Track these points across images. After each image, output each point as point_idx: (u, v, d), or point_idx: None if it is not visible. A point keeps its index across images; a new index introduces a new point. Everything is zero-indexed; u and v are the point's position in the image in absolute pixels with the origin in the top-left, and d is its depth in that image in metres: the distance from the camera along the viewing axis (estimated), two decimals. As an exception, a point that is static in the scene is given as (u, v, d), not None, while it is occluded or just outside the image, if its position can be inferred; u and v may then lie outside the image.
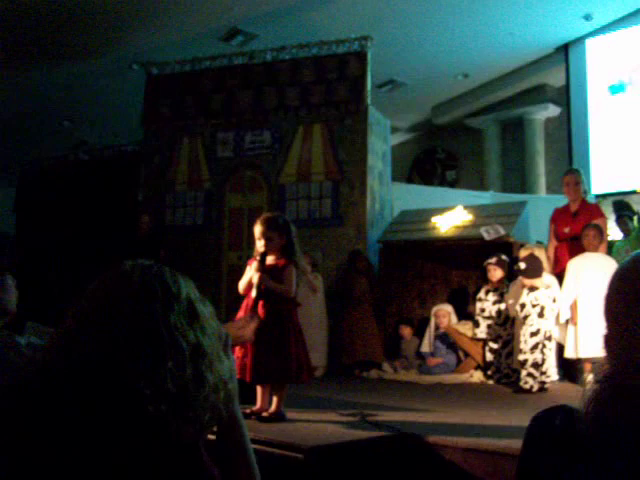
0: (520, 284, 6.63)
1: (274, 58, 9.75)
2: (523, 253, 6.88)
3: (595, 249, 6.50)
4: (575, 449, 1.22)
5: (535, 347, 6.21)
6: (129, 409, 1.27)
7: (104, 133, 13.16)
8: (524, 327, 6.30)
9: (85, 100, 12.67)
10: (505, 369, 6.92)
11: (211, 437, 1.50)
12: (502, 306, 7.00)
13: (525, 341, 6.25)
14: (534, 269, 6.40)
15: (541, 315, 6.27)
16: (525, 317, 6.30)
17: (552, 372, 6.23)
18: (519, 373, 6.68)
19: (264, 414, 4.32)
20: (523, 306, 6.33)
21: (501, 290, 7.09)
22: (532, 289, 6.36)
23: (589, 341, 6.26)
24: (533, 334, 6.24)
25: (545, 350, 6.22)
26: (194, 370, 1.35)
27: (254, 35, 11.29)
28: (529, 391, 6.15)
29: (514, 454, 3.38)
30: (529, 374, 6.20)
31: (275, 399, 4.40)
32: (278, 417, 4.31)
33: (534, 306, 6.30)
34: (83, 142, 13.04)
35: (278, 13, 10.67)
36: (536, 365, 6.18)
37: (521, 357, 6.28)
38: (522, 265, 6.43)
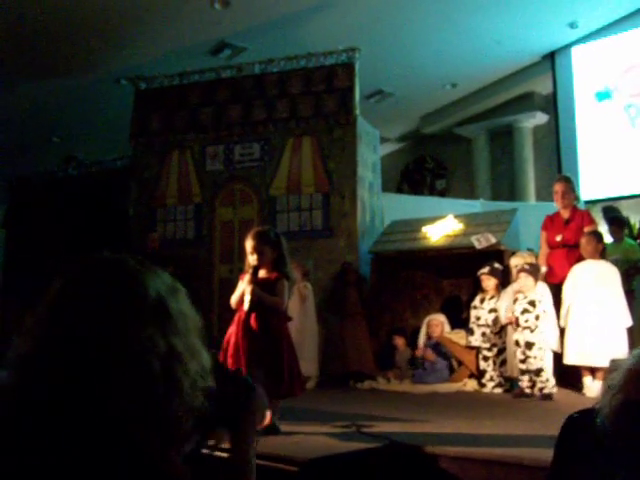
0: (513, 291, 6.67)
1: (262, 71, 9.77)
2: (514, 260, 6.92)
3: (591, 255, 6.54)
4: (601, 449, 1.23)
5: (534, 355, 6.23)
6: (107, 433, 1.17)
7: (93, 148, 13.14)
8: (521, 335, 6.31)
9: (74, 115, 12.65)
10: (499, 377, 6.93)
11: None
12: (497, 314, 7.02)
13: (524, 349, 6.27)
14: (535, 272, 6.48)
15: (538, 323, 6.30)
16: (522, 324, 6.31)
17: (552, 380, 6.23)
18: (513, 381, 6.70)
19: (257, 428, 4.30)
20: (523, 312, 6.34)
21: (496, 298, 7.11)
22: (524, 297, 6.38)
23: (579, 348, 6.29)
24: (530, 342, 6.25)
25: (544, 358, 6.25)
26: (166, 382, 1.24)
27: (242, 48, 11.31)
28: (529, 396, 6.18)
29: (510, 462, 3.38)
30: (530, 380, 6.22)
31: (268, 412, 4.38)
32: (272, 430, 4.29)
33: (524, 313, 6.32)
34: (72, 157, 13.00)
35: (266, 26, 10.70)
36: (536, 372, 6.20)
37: (522, 365, 6.29)
38: (526, 266, 6.49)
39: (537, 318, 6.31)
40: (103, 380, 1.19)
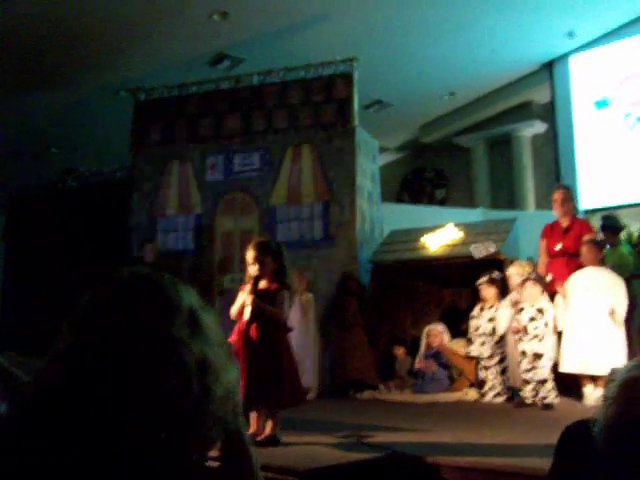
0: (512, 300, 6.68)
1: (261, 82, 9.80)
2: (513, 269, 6.92)
3: (592, 263, 6.54)
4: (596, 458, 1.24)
5: (537, 365, 6.24)
6: (133, 432, 1.20)
7: (93, 160, 13.16)
8: (528, 344, 6.31)
9: (73, 127, 12.67)
10: (500, 386, 6.92)
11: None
12: (496, 324, 7.02)
13: (531, 359, 6.27)
14: (542, 281, 6.51)
15: (546, 331, 6.31)
16: (531, 332, 6.31)
17: (555, 390, 6.23)
18: (514, 390, 6.70)
19: (258, 438, 4.31)
20: (531, 320, 6.34)
21: (495, 307, 7.11)
22: (532, 305, 6.39)
23: (578, 356, 6.29)
24: (538, 353, 6.26)
25: (546, 368, 6.25)
26: (199, 385, 1.26)
27: (241, 59, 11.34)
28: (530, 405, 6.18)
29: (511, 472, 3.39)
30: (533, 390, 6.23)
31: (269, 423, 4.39)
32: (273, 441, 4.30)
33: (532, 321, 6.33)
34: (72, 169, 13.01)
35: (264, 37, 10.73)
36: (541, 382, 6.20)
37: (526, 375, 6.29)
38: (533, 275, 6.52)
39: (546, 325, 6.31)
40: (142, 378, 1.22)
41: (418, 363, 7.76)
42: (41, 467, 1.19)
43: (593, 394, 6.10)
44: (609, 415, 1.28)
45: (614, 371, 1.34)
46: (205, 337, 1.33)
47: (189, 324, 1.32)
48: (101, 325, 1.28)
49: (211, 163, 9.70)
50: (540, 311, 6.36)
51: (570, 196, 7.34)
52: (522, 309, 6.44)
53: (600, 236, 7.79)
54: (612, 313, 6.24)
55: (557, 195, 7.28)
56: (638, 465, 1.20)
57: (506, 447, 4.09)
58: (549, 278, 6.82)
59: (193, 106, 10.03)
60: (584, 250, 6.62)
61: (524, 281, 6.51)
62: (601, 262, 6.68)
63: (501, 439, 4.44)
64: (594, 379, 6.27)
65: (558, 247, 7.10)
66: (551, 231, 7.28)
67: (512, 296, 6.81)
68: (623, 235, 9.52)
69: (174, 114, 10.06)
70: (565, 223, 7.20)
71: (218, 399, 1.30)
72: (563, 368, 6.39)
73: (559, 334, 6.48)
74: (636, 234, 10.63)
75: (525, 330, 6.33)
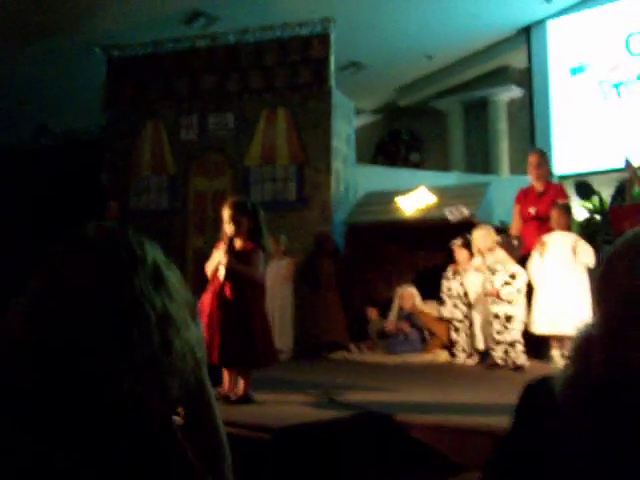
0: (475, 265, 6.74)
1: (237, 41, 9.69)
2: (477, 233, 6.88)
3: (561, 228, 6.58)
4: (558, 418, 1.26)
5: (513, 327, 6.31)
6: (100, 382, 1.22)
7: (65, 117, 12.97)
8: (500, 307, 6.36)
9: (45, 84, 12.46)
10: (470, 348, 6.99)
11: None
12: (468, 286, 7.06)
13: (503, 321, 6.33)
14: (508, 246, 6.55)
15: (518, 296, 6.37)
16: (504, 297, 6.36)
17: (523, 353, 6.31)
18: (484, 353, 6.77)
19: (231, 397, 4.33)
20: (504, 285, 6.38)
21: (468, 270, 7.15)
22: (504, 269, 6.43)
23: (547, 317, 6.35)
24: (510, 315, 6.32)
25: (517, 330, 6.32)
26: (161, 337, 1.29)
27: (216, 18, 11.17)
28: (501, 367, 6.26)
29: (481, 431, 3.43)
30: (504, 352, 6.30)
31: (242, 382, 4.41)
32: (245, 400, 4.32)
33: (505, 285, 6.38)
34: (44, 127, 12.82)
35: (240, -5, 10.58)
36: (511, 344, 6.27)
37: (498, 337, 6.35)
38: (516, 241, 6.54)
39: (518, 292, 6.37)
40: (105, 328, 1.25)
41: (389, 325, 7.81)
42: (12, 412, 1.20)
43: (562, 357, 6.19)
44: (569, 375, 1.30)
45: (578, 330, 1.36)
46: (168, 292, 1.37)
47: (153, 278, 1.35)
48: (66, 276, 1.29)
49: (185, 123, 9.61)
50: (512, 276, 6.41)
51: (545, 160, 7.36)
52: (495, 271, 6.49)
53: (574, 202, 7.84)
54: (574, 249, 6.29)
55: (532, 159, 7.31)
56: (594, 427, 1.22)
57: (476, 406, 4.14)
58: (516, 242, 6.81)
59: (168, 65, 9.90)
60: (555, 214, 6.64)
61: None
62: (569, 227, 6.71)
63: (471, 399, 4.49)
64: (562, 342, 6.35)
65: (532, 211, 7.13)
66: (525, 196, 7.31)
67: (475, 261, 6.85)
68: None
69: (148, 72, 9.93)
70: (540, 187, 7.22)
71: (179, 353, 1.33)
72: (533, 329, 6.46)
73: (529, 296, 6.55)
74: (609, 200, 10.76)
75: (498, 295, 6.39)
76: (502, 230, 7.40)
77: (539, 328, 6.43)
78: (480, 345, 6.82)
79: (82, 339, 1.23)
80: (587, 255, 6.34)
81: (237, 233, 4.47)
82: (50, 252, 1.36)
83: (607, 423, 1.20)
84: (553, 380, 1.33)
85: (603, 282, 1.36)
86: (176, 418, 1.43)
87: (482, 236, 6.77)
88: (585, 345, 1.30)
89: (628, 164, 7.09)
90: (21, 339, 1.26)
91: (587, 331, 1.33)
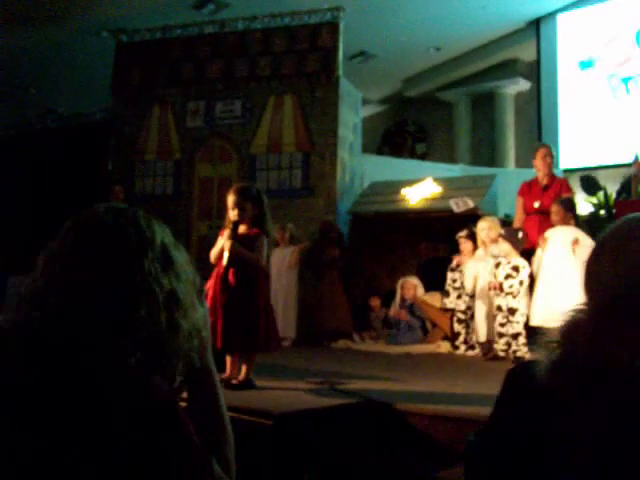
0: (478, 256, 6.74)
1: (246, 27, 9.68)
2: (481, 225, 6.88)
3: (559, 223, 6.56)
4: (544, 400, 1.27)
5: (516, 320, 6.31)
6: (107, 359, 1.24)
7: (73, 101, 12.98)
8: (504, 300, 6.37)
9: (53, 67, 12.47)
10: (472, 340, 7.01)
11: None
12: (464, 279, 7.07)
13: (506, 314, 6.34)
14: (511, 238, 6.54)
15: (520, 289, 6.37)
16: (506, 290, 6.37)
17: (524, 345, 6.32)
18: (484, 346, 6.78)
19: (233, 382, 4.35)
20: (507, 277, 6.39)
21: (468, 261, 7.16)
22: (508, 262, 6.43)
23: (544, 310, 6.35)
24: (513, 308, 6.32)
25: (520, 323, 6.33)
26: (168, 317, 1.31)
27: (226, 4, 11.16)
28: (503, 359, 6.27)
29: (480, 421, 3.44)
30: (506, 344, 6.31)
31: (244, 367, 4.42)
32: (247, 385, 4.33)
33: (508, 278, 6.38)
34: (51, 110, 12.83)
35: (250, -18, 10.56)
36: (514, 336, 6.28)
37: (500, 329, 6.37)
38: (520, 234, 6.53)
39: (521, 284, 6.37)
40: (113, 307, 1.27)
41: (392, 312, 7.82)
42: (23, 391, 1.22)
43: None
44: (552, 358, 1.31)
45: (566, 314, 1.37)
46: (176, 273, 1.38)
47: (161, 259, 1.36)
48: (74, 254, 1.31)
49: (192, 109, 9.61)
50: (515, 269, 6.41)
51: (552, 154, 7.36)
52: (499, 264, 6.49)
53: (579, 196, 7.84)
54: (576, 242, 6.27)
55: (543, 151, 7.29)
56: (577, 410, 1.23)
57: (476, 397, 4.15)
58: (520, 235, 6.81)
59: (176, 50, 9.90)
60: (554, 209, 6.62)
61: (497, 237, 6.54)
62: (569, 222, 6.70)
63: (471, 389, 4.50)
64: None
65: (536, 205, 7.12)
66: (529, 189, 7.30)
67: (479, 252, 6.86)
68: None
69: (156, 57, 9.93)
70: (545, 181, 7.22)
71: (185, 333, 1.35)
72: (532, 321, 6.47)
73: (531, 289, 6.55)
74: (614, 196, 10.75)
75: (501, 287, 6.39)
76: (507, 223, 7.41)
77: (537, 320, 6.44)
78: (482, 337, 6.83)
79: (89, 317, 1.25)
80: (587, 250, 6.32)
81: (241, 219, 4.47)
82: (58, 231, 1.37)
83: (589, 409, 1.22)
84: (535, 365, 1.34)
85: (588, 272, 1.38)
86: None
87: (486, 228, 6.77)
88: (572, 330, 1.31)
89: (636, 160, 7.09)
90: (27, 316, 1.27)
91: (575, 317, 1.34)
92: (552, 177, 7.31)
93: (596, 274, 1.37)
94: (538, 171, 7.28)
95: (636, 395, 1.19)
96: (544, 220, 6.94)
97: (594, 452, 1.20)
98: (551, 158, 7.27)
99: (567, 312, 1.36)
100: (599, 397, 1.21)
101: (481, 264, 6.79)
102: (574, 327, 1.32)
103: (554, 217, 6.60)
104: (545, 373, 1.29)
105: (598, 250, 1.39)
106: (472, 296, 7.07)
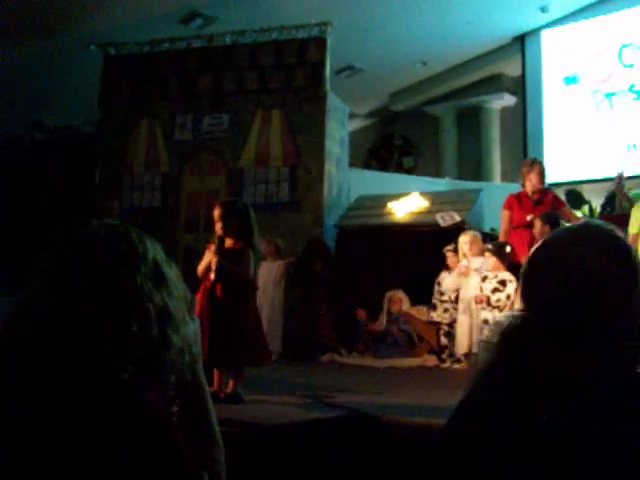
0: (461, 269, 6.78)
1: (234, 42, 9.71)
2: (463, 238, 6.94)
3: (541, 238, 6.56)
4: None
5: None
6: (101, 374, 1.25)
7: (60, 114, 12.96)
8: (490, 313, 6.39)
9: (41, 80, 12.45)
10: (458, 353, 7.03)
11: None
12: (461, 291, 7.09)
13: (490, 327, 6.35)
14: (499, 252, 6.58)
15: (507, 303, 6.39)
16: (493, 304, 6.39)
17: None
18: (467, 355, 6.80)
19: (221, 395, 4.36)
20: (494, 291, 6.42)
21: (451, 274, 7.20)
22: (495, 275, 6.47)
23: None
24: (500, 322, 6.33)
25: None
26: (160, 332, 1.33)
27: (214, 18, 11.20)
28: None
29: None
30: None
31: (232, 381, 4.44)
32: (235, 398, 4.35)
33: (495, 292, 6.41)
34: (38, 123, 12.80)
35: (237, -3, 10.61)
36: None
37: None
38: (508, 248, 6.57)
39: (508, 298, 6.39)
40: (107, 323, 1.29)
41: (376, 325, 7.84)
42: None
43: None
44: (487, 361, 1.36)
45: (505, 318, 1.42)
46: (168, 289, 1.40)
47: (153, 275, 1.38)
48: (67, 270, 1.33)
49: (180, 122, 9.63)
50: (502, 283, 6.45)
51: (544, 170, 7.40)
52: (486, 277, 6.53)
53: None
54: None
55: (537, 167, 7.28)
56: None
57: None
58: (508, 249, 6.84)
59: (164, 64, 9.92)
60: (537, 224, 6.62)
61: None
62: None
63: (458, 402, 4.52)
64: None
65: (529, 218, 7.06)
66: (519, 202, 7.25)
67: (460, 265, 6.90)
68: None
69: (144, 71, 9.94)
70: (535, 195, 7.19)
71: (177, 348, 1.36)
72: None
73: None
74: (598, 210, 10.83)
75: (488, 301, 6.42)
76: (492, 237, 7.44)
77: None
78: (462, 349, 6.82)
79: (82, 332, 1.27)
80: None
81: (227, 233, 4.50)
82: (51, 246, 1.39)
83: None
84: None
85: (525, 280, 1.41)
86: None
87: (468, 242, 6.84)
88: (510, 336, 1.35)
89: (618, 178, 7.13)
90: (22, 330, 1.29)
91: (511, 322, 1.38)
92: (542, 191, 7.31)
93: (534, 282, 1.40)
94: (529, 186, 7.23)
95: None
96: (531, 234, 6.97)
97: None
98: (544, 174, 7.31)
99: (507, 317, 1.39)
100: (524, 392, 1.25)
101: (463, 278, 6.84)
102: (512, 331, 1.35)
103: (536, 231, 6.62)
104: (477, 375, 1.33)
105: (535, 258, 1.42)
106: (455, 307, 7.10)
